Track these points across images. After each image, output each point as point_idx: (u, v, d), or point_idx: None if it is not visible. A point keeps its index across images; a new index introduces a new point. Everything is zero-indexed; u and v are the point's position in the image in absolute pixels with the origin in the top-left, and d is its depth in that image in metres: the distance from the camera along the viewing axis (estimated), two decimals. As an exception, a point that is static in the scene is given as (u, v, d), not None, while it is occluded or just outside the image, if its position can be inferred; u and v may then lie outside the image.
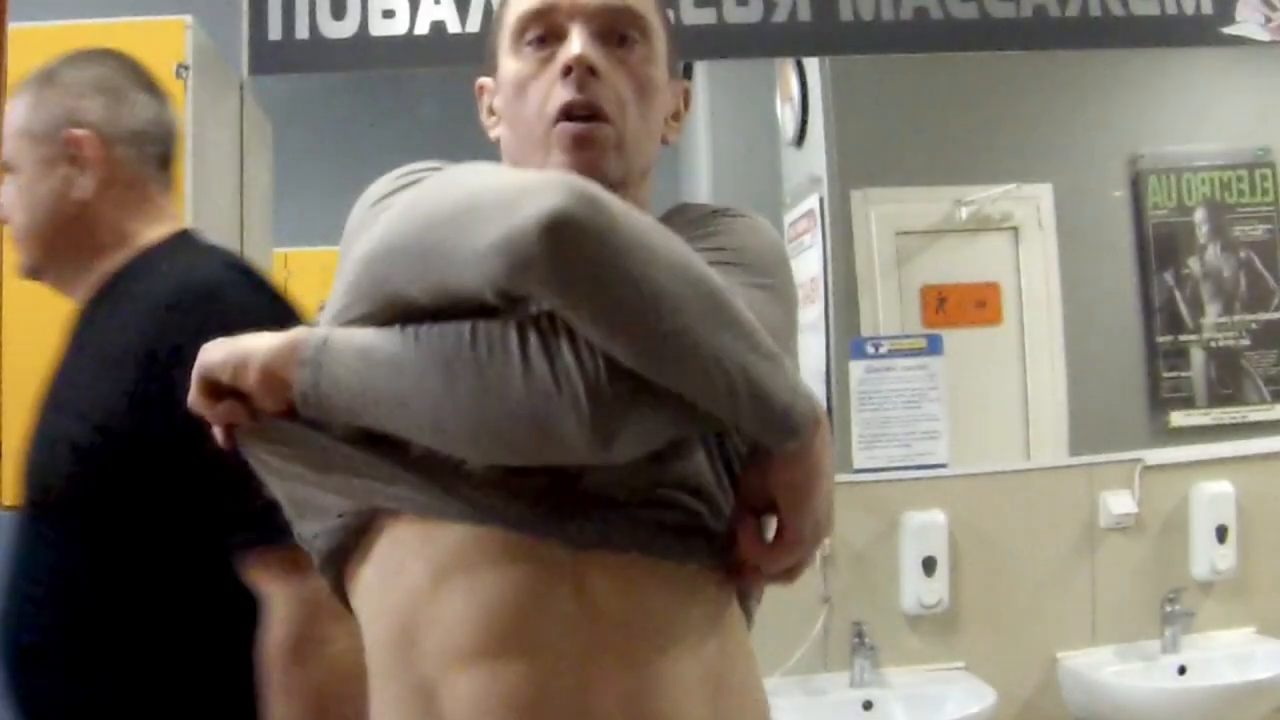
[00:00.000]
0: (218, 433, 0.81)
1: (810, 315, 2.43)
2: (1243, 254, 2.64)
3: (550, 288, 0.71)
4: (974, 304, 2.56)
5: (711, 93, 2.84)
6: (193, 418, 0.84)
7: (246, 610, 1.07)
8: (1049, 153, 2.64)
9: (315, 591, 1.00)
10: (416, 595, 0.76)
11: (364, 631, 0.81)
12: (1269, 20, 2.52)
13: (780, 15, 2.39)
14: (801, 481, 0.78)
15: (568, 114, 0.86)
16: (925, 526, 2.27)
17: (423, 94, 2.61)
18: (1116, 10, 2.46)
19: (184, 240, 1.26)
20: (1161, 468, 2.40)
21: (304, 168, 2.70)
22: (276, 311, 1.14)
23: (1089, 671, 2.26)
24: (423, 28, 2.32)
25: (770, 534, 0.81)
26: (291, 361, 0.77)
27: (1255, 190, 2.65)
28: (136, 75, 1.30)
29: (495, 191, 0.73)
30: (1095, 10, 2.45)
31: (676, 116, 0.98)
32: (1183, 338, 2.61)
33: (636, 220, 0.73)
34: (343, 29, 2.30)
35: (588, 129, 0.86)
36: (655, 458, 0.77)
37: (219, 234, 2.22)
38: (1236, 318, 2.62)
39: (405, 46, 2.31)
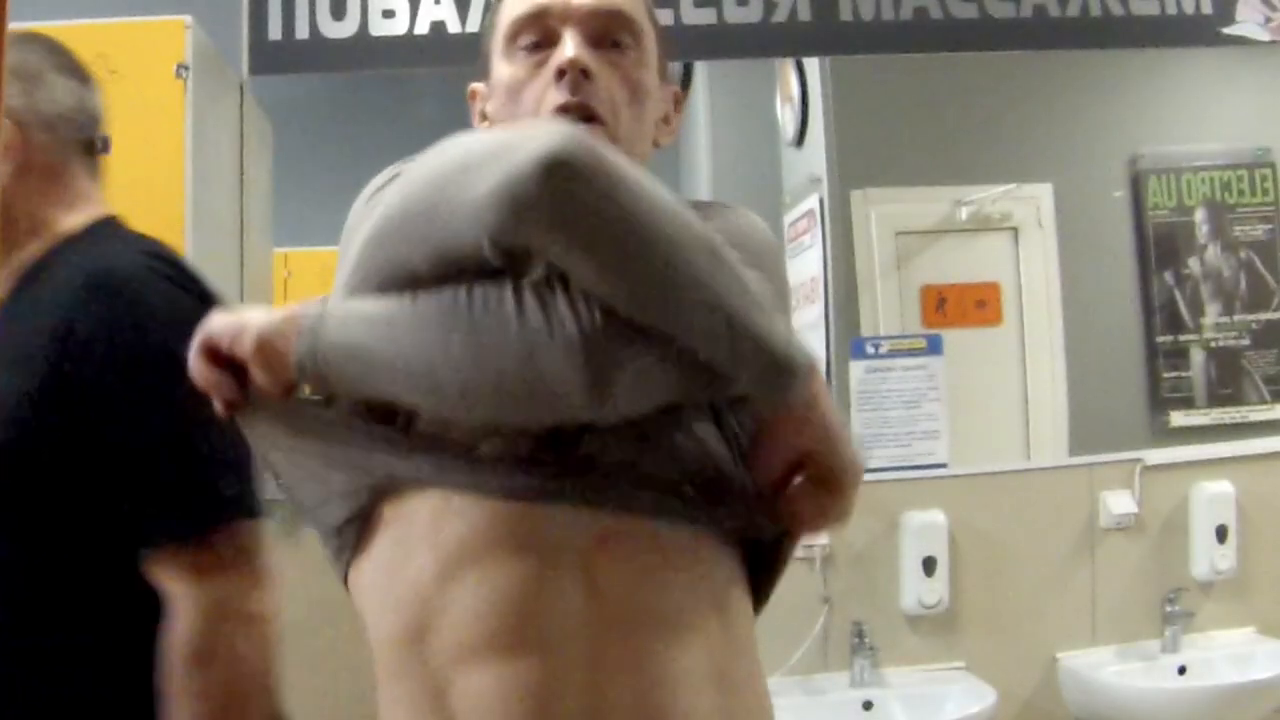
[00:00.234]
0: (216, 404, 0.82)
1: (810, 315, 2.43)
2: (1243, 254, 2.64)
3: (550, 227, 0.71)
4: (974, 304, 2.56)
5: (711, 93, 2.84)
6: (101, 412, 0.83)
7: (156, 610, 1.03)
8: (1049, 153, 2.64)
9: (223, 593, 1.00)
10: (424, 589, 0.76)
11: (371, 629, 0.81)
12: (1269, 20, 2.52)
13: (780, 15, 2.39)
14: (821, 423, 0.79)
15: (562, 116, 0.87)
16: (925, 526, 2.27)
17: (423, 94, 2.61)
18: (1116, 10, 2.46)
19: (104, 227, 1.19)
20: (1161, 468, 2.40)
21: (304, 168, 2.70)
22: (197, 307, 1.07)
23: (1089, 671, 2.26)
24: (423, 28, 2.32)
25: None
26: (289, 332, 0.78)
27: (1255, 190, 2.65)
28: (58, 60, 1.24)
29: (489, 145, 0.74)
30: (1095, 10, 2.45)
31: (668, 120, 0.99)
32: (1183, 338, 2.61)
33: (631, 166, 0.74)
34: (343, 29, 2.30)
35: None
36: (658, 429, 0.78)
37: (219, 234, 2.23)
38: (1236, 318, 2.62)
39: (405, 46, 2.31)
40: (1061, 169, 2.62)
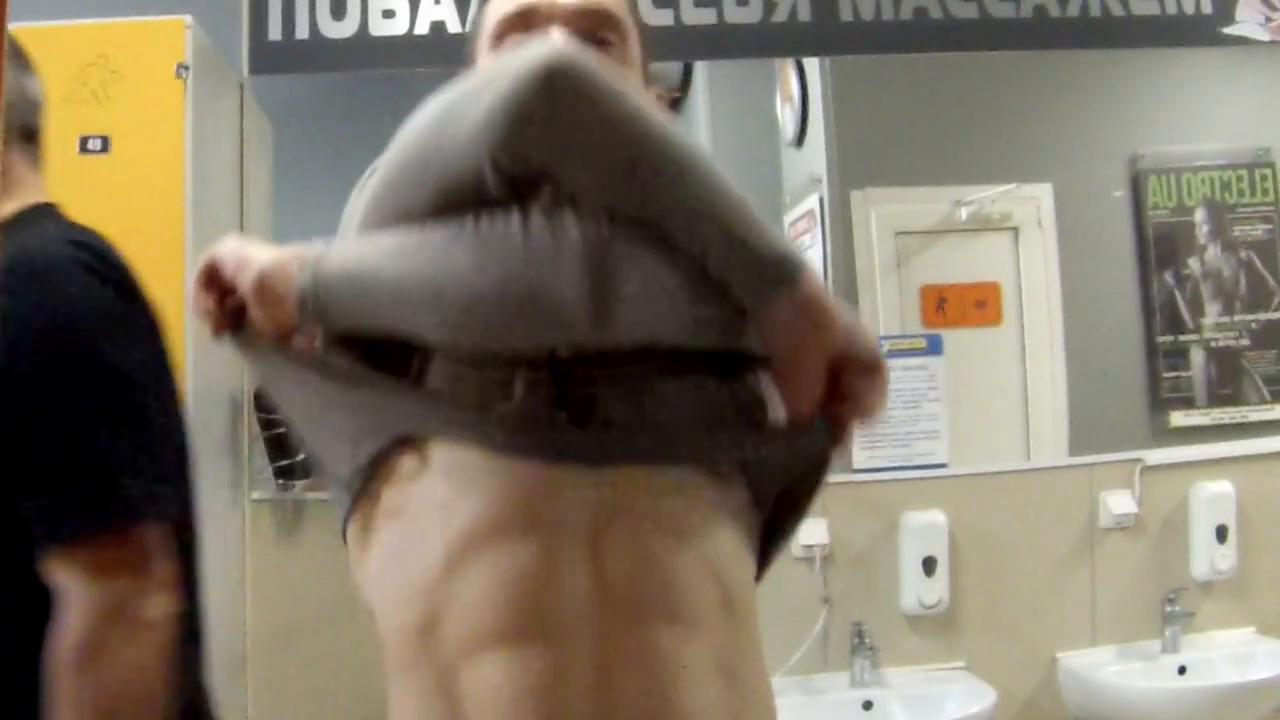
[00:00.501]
0: (212, 325, 0.83)
1: (810, 315, 2.43)
2: (1243, 254, 2.63)
3: (551, 133, 0.72)
4: (974, 304, 2.56)
5: (711, 93, 2.84)
6: (3, 400, 0.81)
7: (50, 612, 0.98)
8: (1049, 153, 2.64)
9: (116, 595, 0.95)
10: (432, 579, 0.75)
11: (380, 621, 0.80)
12: (1269, 20, 2.52)
13: (780, 15, 2.39)
14: (838, 318, 0.78)
15: None
16: (925, 526, 2.27)
17: (423, 94, 2.61)
18: (1116, 10, 2.46)
19: (36, 215, 1.14)
20: (1161, 468, 2.40)
21: (304, 168, 2.70)
22: (116, 302, 1.04)
23: (1089, 671, 2.26)
24: (423, 28, 2.32)
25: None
26: (291, 270, 0.78)
27: (1255, 190, 2.65)
28: None
29: (478, 78, 0.76)
30: (1095, 10, 2.45)
31: None
32: (1183, 338, 2.61)
33: (622, 78, 0.76)
34: (343, 29, 2.30)
35: None
36: (662, 376, 0.78)
37: (219, 234, 2.22)
38: (1236, 318, 2.62)
39: (405, 46, 2.31)
40: (1061, 169, 2.61)
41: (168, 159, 1.94)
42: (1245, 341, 2.62)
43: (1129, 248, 2.62)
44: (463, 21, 2.32)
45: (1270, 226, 2.65)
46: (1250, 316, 2.62)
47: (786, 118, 2.66)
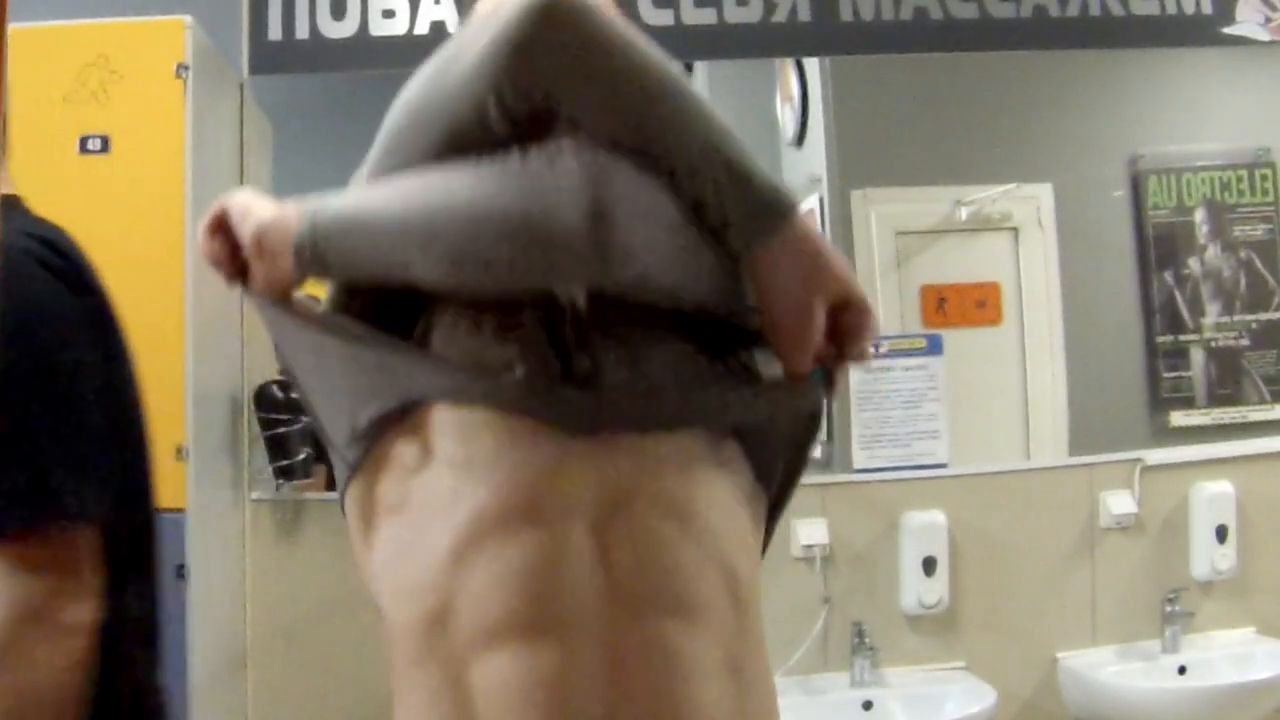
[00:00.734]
0: (223, 274, 0.83)
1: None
2: (1243, 254, 2.63)
3: (553, 61, 0.72)
4: (974, 304, 2.56)
5: (711, 93, 2.84)
6: None
7: None
8: (1049, 153, 2.64)
9: (33, 595, 0.92)
10: (438, 572, 0.74)
11: (388, 615, 0.79)
12: (1269, 20, 2.52)
13: (780, 15, 2.39)
14: (835, 256, 0.79)
15: None
16: (925, 526, 2.27)
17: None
18: (1116, 10, 2.46)
19: None
20: (1161, 468, 2.40)
21: (304, 168, 2.70)
22: (68, 298, 1.00)
23: (1089, 671, 2.26)
24: (423, 28, 2.32)
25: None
26: (290, 224, 0.78)
27: (1255, 190, 2.64)
28: None
29: (474, 24, 0.76)
30: (1095, 10, 2.45)
31: None
32: (1183, 338, 2.61)
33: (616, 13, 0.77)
34: (343, 29, 2.30)
35: None
36: (661, 339, 0.78)
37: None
38: (1236, 318, 2.62)
39: (405, 46, 2.31)
40: (1061, 169, 2.61)
41: (168, 159, 1.94)
42: (1245, 341, 2.62)
43: (1129, 248, 2.62)
44: (463, 22, 2.32)
45: (1270, 226, 2.64)
46: (1250, 316, 2.62)
47: (786, 118, 2.66)
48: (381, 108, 0.83)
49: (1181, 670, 2.29)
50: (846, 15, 2.40)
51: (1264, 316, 2.62)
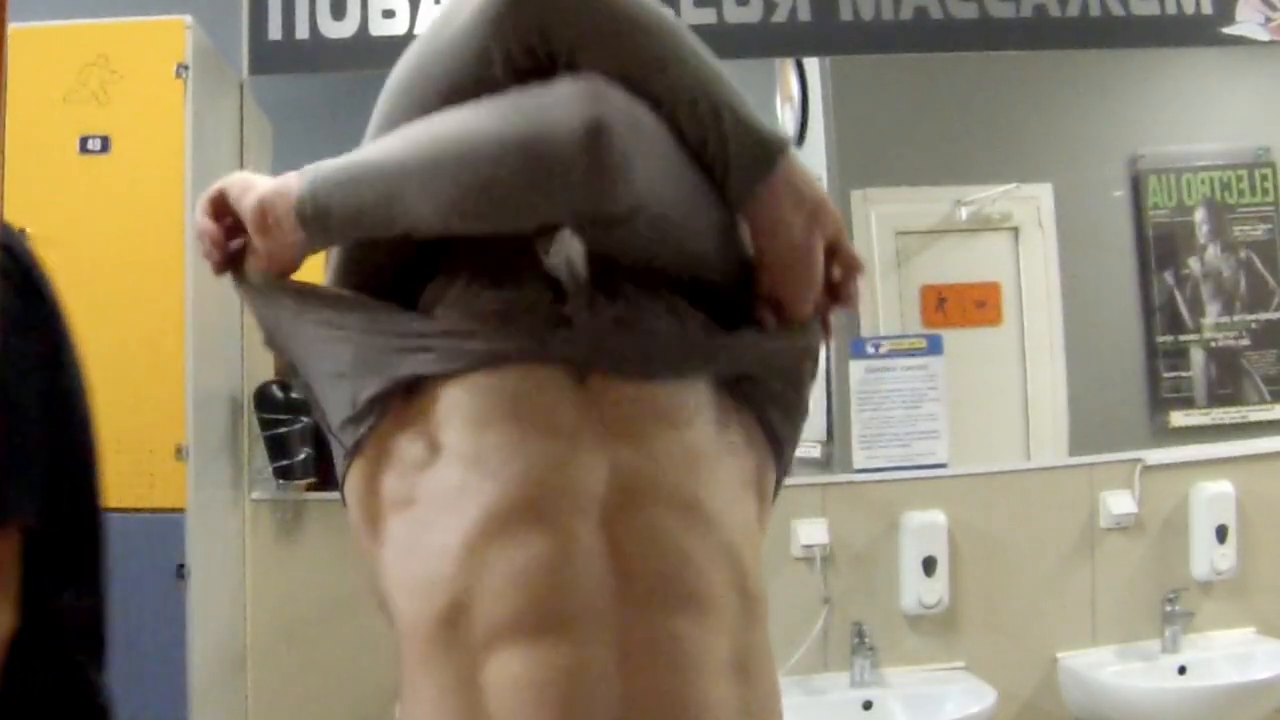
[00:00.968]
0: (215, 260, 0.84)
1: (810, 315, 2.43)
2: (1243, 254, 2.63)
3: (550, 5, 0.73)
4: (974, 304, 2.56)
5: (711, 93, 2.84)
6: None
7: None
8: (1049, 153, 2.64)
9: None
10: (446, 570, 0.74)
11: (395, 614, 0.79)
12: (1269, 20, 2.52)
13: (780, 15, 2.39)
14: (824, 194, 0.80)
15: None
16: (925, 526, 2.27)
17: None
18: (1116, 10, 2.46)
19: None
20: (1161, 468, 2.40)
21: (304, 168, 2.70)
22: (17, 304, 0.96)
23: (1089, 671, 2.26)
24: (423, 28, 2.31)
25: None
26: (289, 189, 0.79)
27: (1255, 190, 2.64)
28: None
29: None
30: (1095, 10, 2.45)
31: None
32: (1183, 338, 2.61)
33: None
34: (343, 29, 2.30)
35: None
36: (661, 293, 0.79)
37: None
38: (1236, 318, 2.62)
39: (405, 46, 2.30)
40: (1061, 169, 2.61)
41: (168, 159, 1.94)
42: (1245, 341, 2.62)
43: (1129, 248, 2.62)
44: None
45: (1270, 226, 2.64)
46: (1250, 316, 2.62)
47: (786, 118, 2.66)
48: (381, 108, 0.84)
49: (1181, 670, 2.29)
50: (846, 15, 2.40)
51: (1264, 316, 2.62)
